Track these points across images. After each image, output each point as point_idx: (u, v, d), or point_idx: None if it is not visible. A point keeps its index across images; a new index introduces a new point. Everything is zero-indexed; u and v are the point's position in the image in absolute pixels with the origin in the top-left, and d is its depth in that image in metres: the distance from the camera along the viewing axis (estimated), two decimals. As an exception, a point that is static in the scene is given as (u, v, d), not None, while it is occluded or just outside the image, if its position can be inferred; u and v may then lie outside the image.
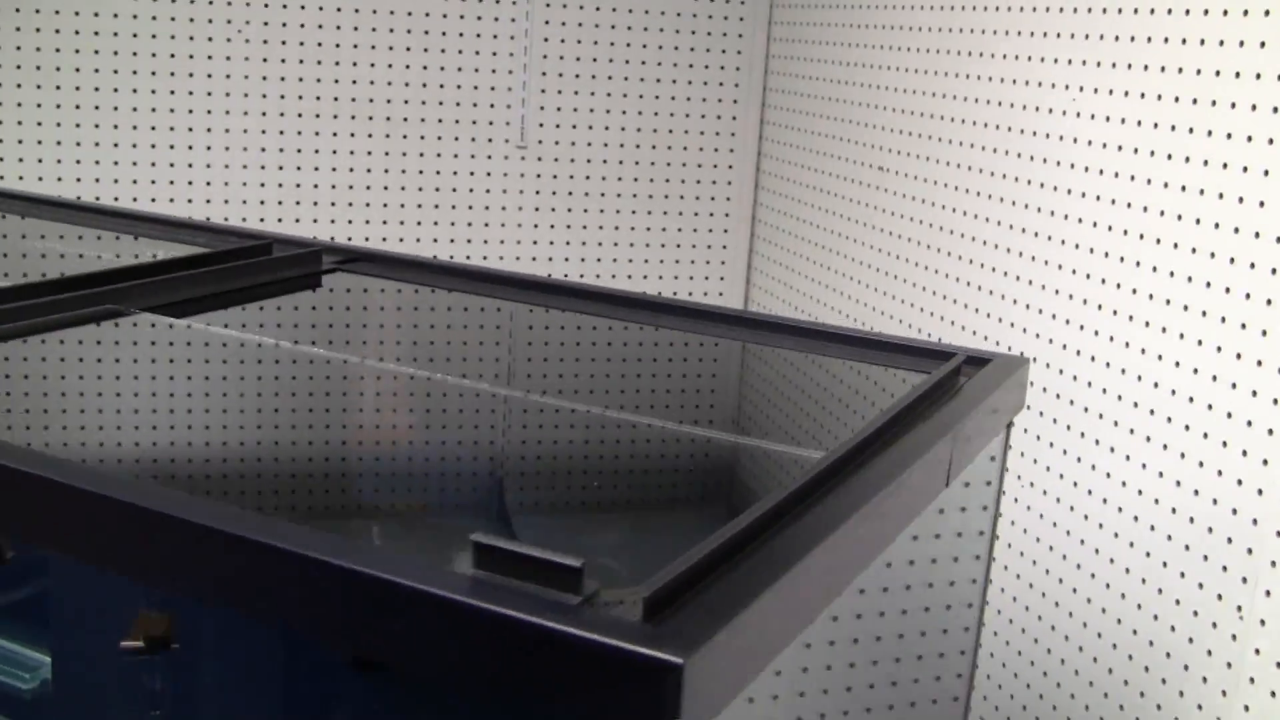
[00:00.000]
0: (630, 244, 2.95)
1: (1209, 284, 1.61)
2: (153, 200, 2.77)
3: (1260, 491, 1.52)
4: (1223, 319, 1.59)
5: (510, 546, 0.73)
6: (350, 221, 2.85)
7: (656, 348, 1.64)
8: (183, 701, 1.21)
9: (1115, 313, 1.76)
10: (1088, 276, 1.81)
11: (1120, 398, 1.75)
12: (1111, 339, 1.77)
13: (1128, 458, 1.73)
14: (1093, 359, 1.81)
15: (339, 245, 1.82)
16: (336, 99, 2.80)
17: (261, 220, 2.81)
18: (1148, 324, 1.71)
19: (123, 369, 1.52)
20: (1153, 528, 1.69)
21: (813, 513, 0.94)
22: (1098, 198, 1.79)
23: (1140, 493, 1.71)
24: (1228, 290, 1.57)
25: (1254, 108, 1.55)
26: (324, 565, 0.75)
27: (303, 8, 2.75)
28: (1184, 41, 1.65)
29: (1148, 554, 1.70)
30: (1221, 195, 1.59)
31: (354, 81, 2.80)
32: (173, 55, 2.73)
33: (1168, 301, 1.67)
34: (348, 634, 0.76)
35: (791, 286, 2.77)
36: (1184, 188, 1.65)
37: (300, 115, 2.79)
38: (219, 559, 0.81)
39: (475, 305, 1.76)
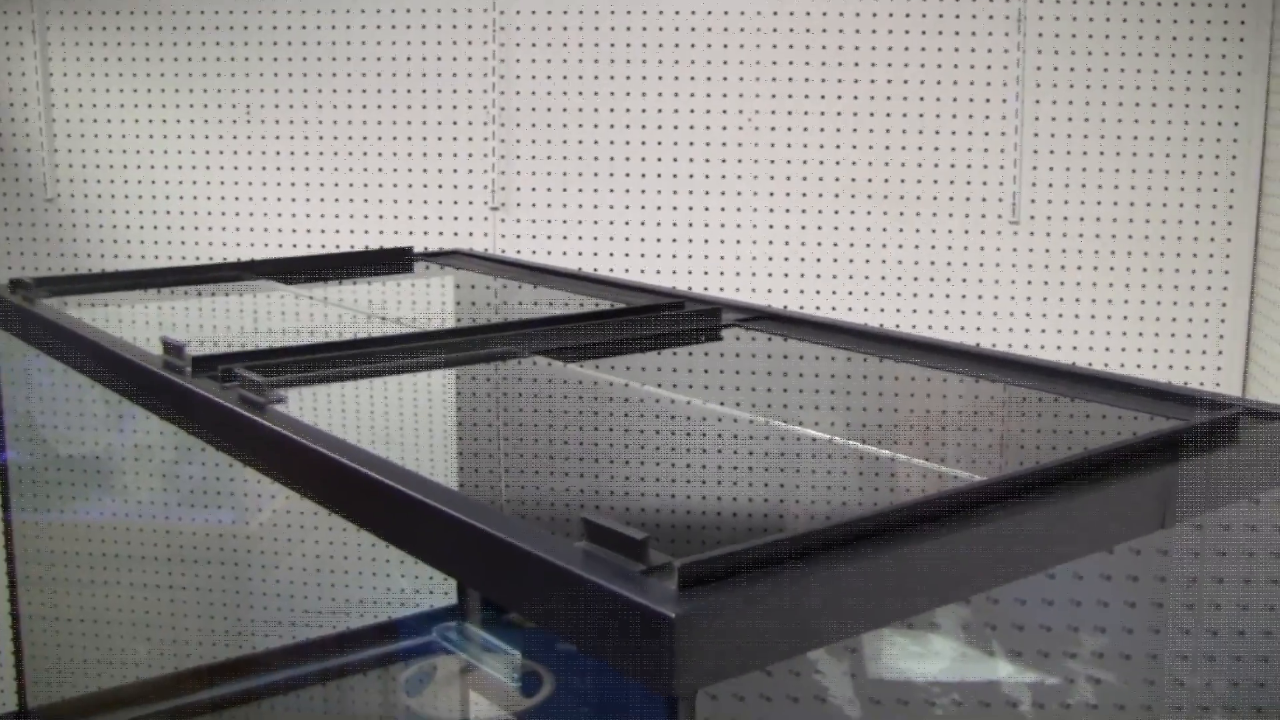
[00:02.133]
0: (1124, 317, 2.91)
1: None
2: (674, 272, 2.94)
3: None
4: None
5: (605, 524, 0.95)
6: (835, 293, 2.93)
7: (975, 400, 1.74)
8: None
9: None
10: None
11: None
12: None
13: None
14: None
15: (743, 304, 1.97)
16: (839, 179, 2.92)
17: (769, 291, 2.92)
18: None
19: (491, 403, 1.93)
20: None
21: (922, 530, 1.06)
22: None
23: None
24: None
25: None
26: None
27: (806, 96, 2.91)
28: None
29: None
30: None
31: (853, 163, 2.92)
32: (691, 143, 2.93)
33: None
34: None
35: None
36: None
37: (805, 195, 2.92)
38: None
39: (851, 364, 1.85)
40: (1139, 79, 2.88)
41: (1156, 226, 2.91)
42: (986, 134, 2.90)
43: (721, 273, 2.96)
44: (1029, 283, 2.92)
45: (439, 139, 2.98)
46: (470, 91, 2.97)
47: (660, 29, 2.93)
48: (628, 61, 2.93)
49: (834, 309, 2.92)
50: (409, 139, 2.99)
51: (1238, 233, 2.90)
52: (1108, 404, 1.59)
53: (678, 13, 2.92)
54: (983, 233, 2.92)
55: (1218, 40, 2.85)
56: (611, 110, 2.95)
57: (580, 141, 2.96)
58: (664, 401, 1.77)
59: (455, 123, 2.98)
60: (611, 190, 2.96)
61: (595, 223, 2.97)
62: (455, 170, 2.99)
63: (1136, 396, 1.60)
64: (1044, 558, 1.24)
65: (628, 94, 2.94)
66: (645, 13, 2.93)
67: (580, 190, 2.97)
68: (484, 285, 2.54)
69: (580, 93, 2.95)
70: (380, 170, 3.01)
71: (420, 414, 2.39)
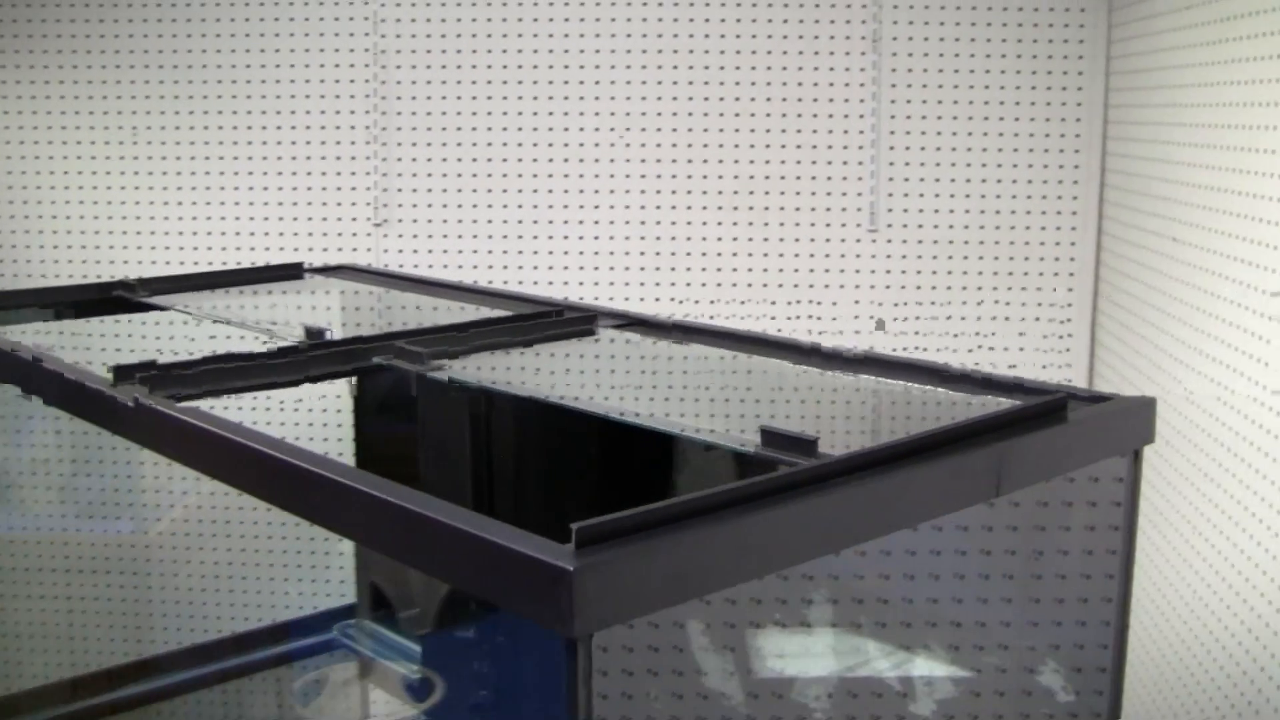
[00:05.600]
0: (978, 318, 3.09)
1: None
2: (550, 284, 3.07)
3: None
4: None
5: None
6: (698, 301, 3.08)
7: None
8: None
9: None
10: None
11: None
12: None
13: None
14: None
15: (620, 311, 2.09)
16: (705, 191, 3.07)
17: (641, 300, 3.06)
18: None
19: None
20: None
21: (777, 500, 1.20)
22: None
23: None
24: None
25: None
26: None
27: (674, 114, 3.05)
28: None
29: None
30: None
31: (719, 176, 3.06)
32: (565, 159, 3.06)
33: None
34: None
35: (1142, 354, 2.83)
36: None
37: (674, 206, 3.07)
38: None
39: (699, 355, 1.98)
40: (988, 94, 3.05)
41: (1006, 232, 3.08)
42: (845, 146, 3.06)
43: (596, 283, 3.10)
44: (887, 287, 3.09)
45: (323, 158, 3.09)
46: (353, 112, 3.09)
47: (535, 51, 3.06)
48: (504, 83, 3.06)
49: (703, 314, 3.07)
50: (293, 159, 3.09)
51: (1081, 236, 3.08)
52: (956, 391, 1.75)
53: (550, 35, 3.05)
54: (843, 240, 3.08)
55: (1059, 57, 3.03)
56: (489, 129, 3.08)
57: (459, 159, 3.08)
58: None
59: (339, 142, 3.09)
60: (490, 205, 3.09)
61: (474, 236, 3.10)
62: (339, 188, 3.10)
63: (974, 385, 1.76)
64: (889, 523, 1.36)
65: (504, 113, 3.07)
66: (520, 35, 3.06)
67: (459, 206, 3.09)
68: (371, 296, 2.65)
69: (459, 112, 3.07)
70: (266, 189, 3.12)
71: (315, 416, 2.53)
